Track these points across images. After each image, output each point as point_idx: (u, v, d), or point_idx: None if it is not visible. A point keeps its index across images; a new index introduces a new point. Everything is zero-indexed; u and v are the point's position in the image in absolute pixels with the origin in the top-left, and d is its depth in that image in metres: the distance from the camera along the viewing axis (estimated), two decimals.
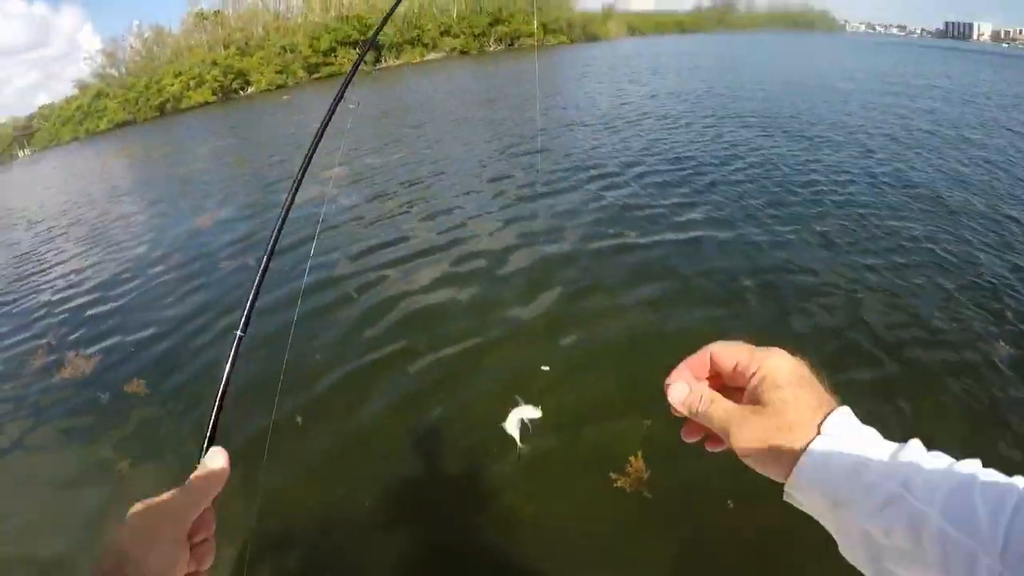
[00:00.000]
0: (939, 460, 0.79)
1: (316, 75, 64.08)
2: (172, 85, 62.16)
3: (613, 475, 4.33)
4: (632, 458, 4.40)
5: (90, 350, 7.88)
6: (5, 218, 22.45)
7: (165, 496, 0.93)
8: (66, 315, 9.66)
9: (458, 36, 72.37)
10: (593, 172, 11.46)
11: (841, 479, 0.80)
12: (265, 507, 4.52)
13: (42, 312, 10.12)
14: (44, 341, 8.71)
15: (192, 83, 62.19)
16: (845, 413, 0.85)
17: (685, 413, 0.97)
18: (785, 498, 0.88)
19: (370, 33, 63.50)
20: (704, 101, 17.64)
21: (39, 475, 5.63)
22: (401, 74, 50.60)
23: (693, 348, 0.98)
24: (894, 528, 0.75)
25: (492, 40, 73.02)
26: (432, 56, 69.70)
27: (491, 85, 30.49)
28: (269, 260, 1.42)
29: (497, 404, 4.85)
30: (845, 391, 0.89)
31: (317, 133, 1.85)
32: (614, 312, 6.54)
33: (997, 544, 0.68)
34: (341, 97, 1.98)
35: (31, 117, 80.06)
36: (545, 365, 4.60)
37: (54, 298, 10.70)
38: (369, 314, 7.23)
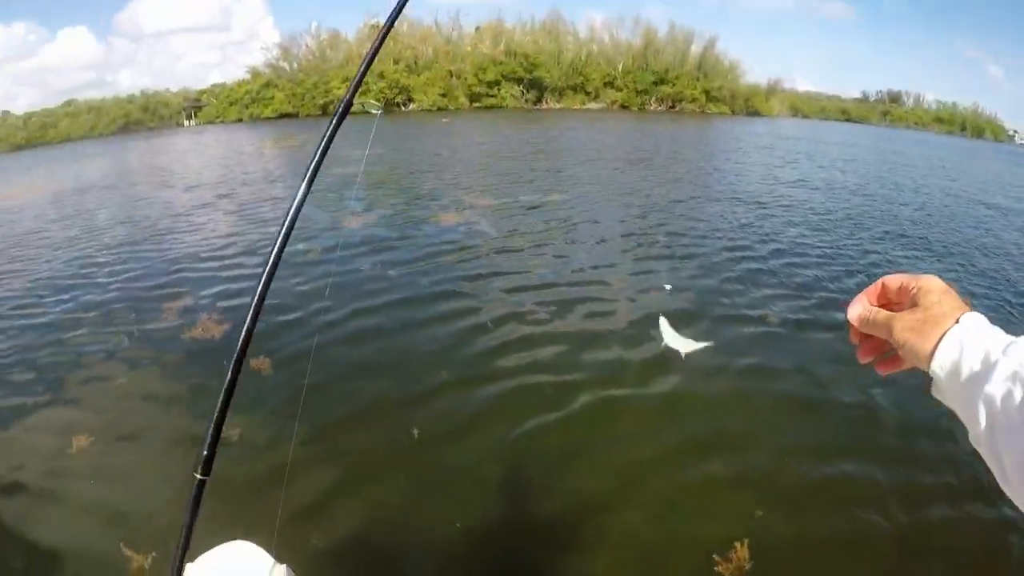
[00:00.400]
0: None
1: (477, 104, 65.12)
2: (339, 88, 64.08)
3: (716, 557, 4.17)
4: (737, 544, 4.23)
5: (222, 317, 8.09)
6: (165, 177, 23.86)
7: None
8: (207, 279, 10.06)
9: (621, 90, 72.41)
10: (731, 244, 11.27)
11: (972, 357, 0.95)
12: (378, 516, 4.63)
13: (185, 270, 10.63)
14: (181, 298, 9.11)
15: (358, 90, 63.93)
16: (980, 315, 1.01)
17: (858, 326, 1.16)
18: (932, 389, 1.05)
19: (536, 72, 64.43)
20: (853, 199, 17.06)
21: (141, 426, 5.77)
22: (560, 117, 51.05)
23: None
24: (1012, 399, 0.87)
25: (654, 99, 72.93)
26: (592, 105, 70.01)
27: (647, 143, 30.39)
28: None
29: (605, 475, 4.79)
30: None
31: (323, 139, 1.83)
32: (737, 396, 6.29)
33: None
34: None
35: (201, 92, 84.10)
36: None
37: (198, 260, 11.21)
38: (499, 344, 7.19)
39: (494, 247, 10.82)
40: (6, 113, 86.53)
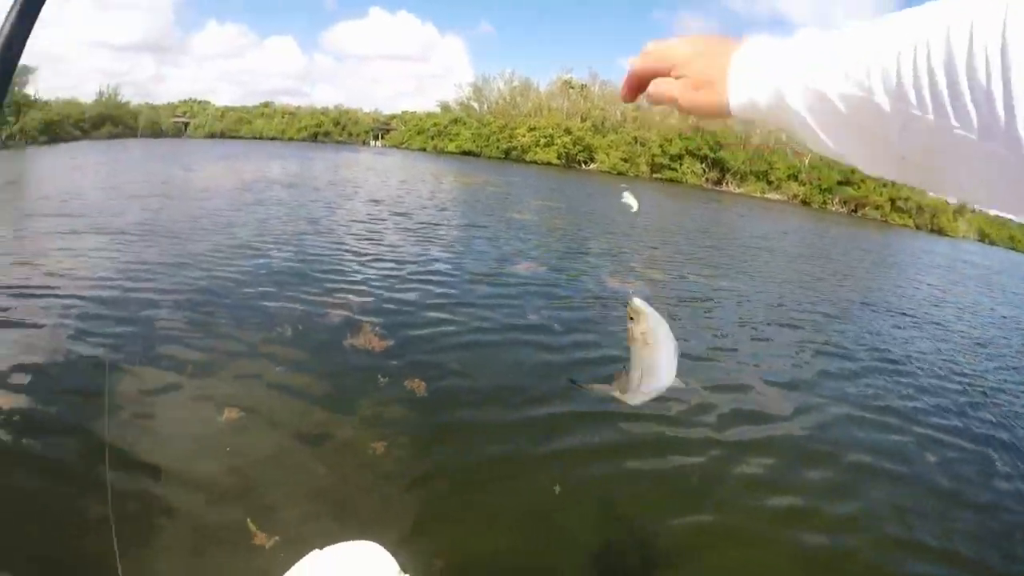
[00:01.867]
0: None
1: (657, 175, 65.13)
2: (524, 136, 65.63)
3: None
4: None
5: (385, 332, 8.04)
6: (350, 190, 24.94)
7: None
8: (376, 290, 10.10)
9: (804, 184, 70.95)
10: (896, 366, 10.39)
11: (763, 96, 0.89)
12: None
13: (355, 278, 10.72)
14: (348, 304, 9.13)
15: (543, 141, 65.46)
16: (747, 48, 0.94)
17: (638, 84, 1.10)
18: (734, 111, 0.95)
19: (721, 152, 64.06)
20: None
21: (288, 416, 5.80)
22: (739, 202, 50.46)
23: None
24: (824, 111, 0.81)
25: (837, 199, 71.09)
26: (772, 195, 68.84)
27: (824, 245, 29.49)
28: None
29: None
30: None
31: None
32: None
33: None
34: None
35: (391, 116, 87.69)
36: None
37: (369, 272, 11.29)
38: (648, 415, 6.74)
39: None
40: (206, 103, 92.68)
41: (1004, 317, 17.99)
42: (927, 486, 6.17)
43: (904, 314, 14.76)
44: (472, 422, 6.04)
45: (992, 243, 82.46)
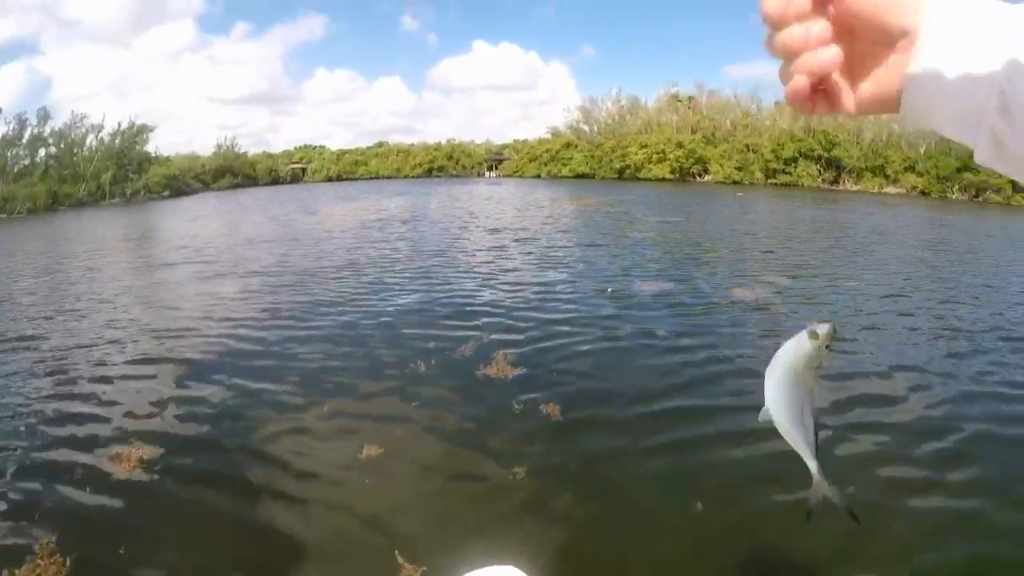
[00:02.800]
0: None
1: (772, 180, 63.99)
2: (636, 154, 65.83)
3: None
4: None
5: (516, 359, 8.27)
6: (469, 220, 26.54)
7: None
8: (502, 316, 10.52)
9: (922, 175, 68.53)
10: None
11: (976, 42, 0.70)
12: None
13: (483, 306, 11.24)
14: (478, 333, 9.48)
15: (655, 157, 65.78)
16: None
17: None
18: (904, 107, 0.77)
19: (834, 151, 62.46)
20: None
21: (428, 449, 6.05)
22: (857, 200, 49.00)
23: None
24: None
25: (957, 187, 68.32)
26: (890, 189, 66.69)
27: (944, 234, 28.48)
28: None
29: None
30: None
31: None
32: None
33: None
34: None
35: (503, 146, 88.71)
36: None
37: (496, 299, 11.82)
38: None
39: (778, 324, 10.48)
40: (322, 148, 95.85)
41: None
42: None
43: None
44: (608, 446, 6.10)
45: None
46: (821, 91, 0.81)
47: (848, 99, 0.82)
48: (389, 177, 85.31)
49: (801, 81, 0.77)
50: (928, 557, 4.49)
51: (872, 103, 0.81)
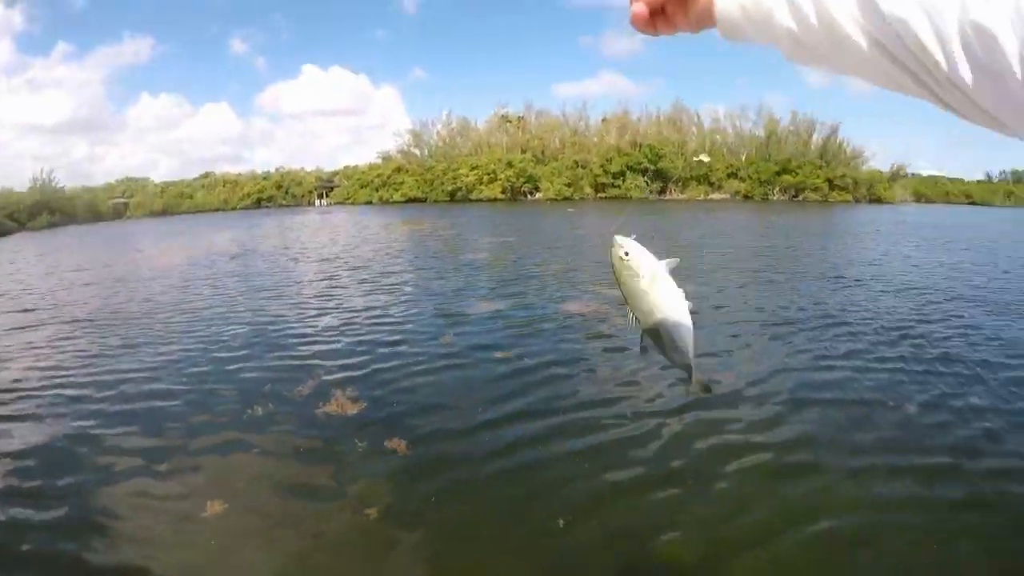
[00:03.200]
0: None
1: (602, 194, 66.03)
2: (467, 176, 66.26)
3: None
4: None
5: (356, 394, 7.96)
6: (299, 252, 25.37)
7: None
8: (338, 348, 10.14)
9: (744, 180, 72.54)
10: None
11: None
12: None
13: (317, 342, 10.63)
14: (313, 370, 9.02)
15: (486, 178, 66.42)
16: None
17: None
18: (719, 22, 0.94)
19: (660, 163, 65.13)
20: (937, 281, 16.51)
21: (275, 501, 5.67)
22: (684, 208, 51.17)
23: None
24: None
25: (777, 189, 72.69)
26: (715, 196, 70.12)
27: (768, 233, 30.35)
28: None
29: None
30: None
31: None
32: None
33: None
34: None
35: (334, 172, 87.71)
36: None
37: (329, 330, 11.38)
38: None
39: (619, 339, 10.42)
40: (145, 180, 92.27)
41: (915, 265, 19.06)
42: (856, 403, 7.43)
43: (840, 276, 15.67)
44: (460, 475, 6.01)
45: (929, 201, 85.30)
46: (660, 13, 0.99)
47: (682, 18, 0.98)
48: (217, 210, 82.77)
49: (640, 7, 0.98)
50: (761, 509, 5.13)
51: (700, 17, 0.96)
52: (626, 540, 4.88)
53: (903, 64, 0.79)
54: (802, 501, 5.39)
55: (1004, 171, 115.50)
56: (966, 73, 0.72)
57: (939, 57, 0.73)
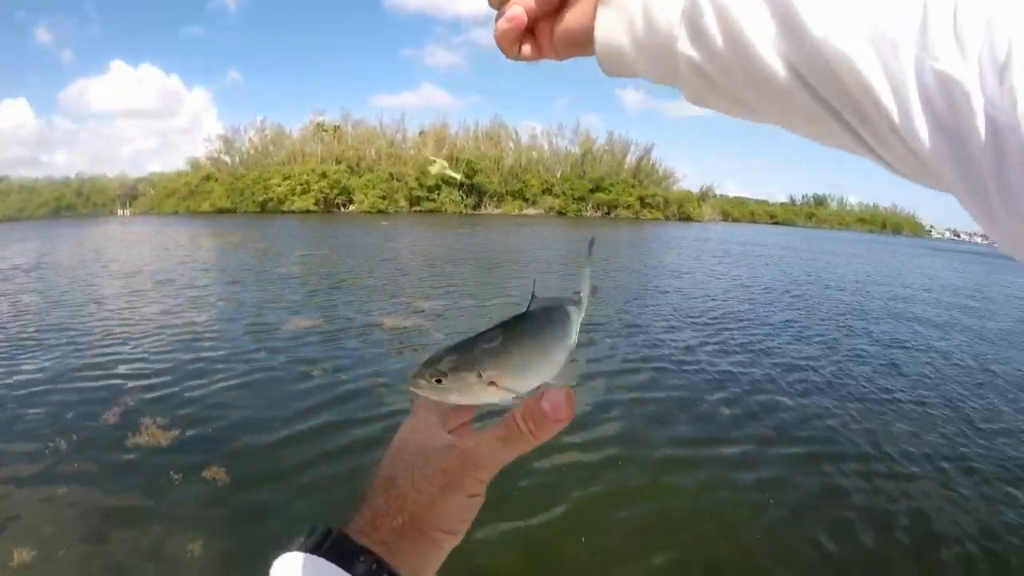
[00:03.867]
0: None
1: (417, 208, 66.06)
2: (279, 186, 64.52)
3: None
4: None
5: (168, 420, 7.66)
6: (101, 267, 23.41)
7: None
8: (147, 372, 9.60)
9: (558, 196, 74.59)
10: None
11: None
12: None
13: (124, 363, 10.12)
14: (121, 398, 8.49)
15: (299, 188, 64.96)
16: None
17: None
18: (599, 50, 0.74)
19: (476, 177, 65.80)
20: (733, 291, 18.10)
21: (87, 540, 5.39)
22: (499, 223, 52.18)
23: None
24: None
25: (590, 206, 75.11)
26: (530, 211, 71.67)
27: (581, 249, 31.66)
28: None
29: None
30: None
31: None
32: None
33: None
34: None
35: (139, 179, 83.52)
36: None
37: (136, 352, 10.80)
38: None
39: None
40: None
41: (716, 278, 20.39)
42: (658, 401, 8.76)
43: (649, 287, 16.68)
44: (280, 496, 6.01)
45: (735, 220, 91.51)
46: (530, 33, 0.80)
47: (547, 42, 0.80)
48: (11, 219, 77.66)
49: (518, 11, 0.76)
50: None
51: (570, 43, 0.78)
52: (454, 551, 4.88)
53: (830, 105, 0.64)
54: (612, 491, 6.05)
55: (806, 195, 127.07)
56: (922, 131, 0.58)
57: (889, 107, 0.59)
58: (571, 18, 0.75)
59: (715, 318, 14.22)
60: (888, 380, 10.75)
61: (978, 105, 0.52)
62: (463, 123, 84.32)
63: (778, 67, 0.62)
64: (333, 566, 0.72)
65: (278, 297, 15.77)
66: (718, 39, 0.63)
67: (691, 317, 13.92)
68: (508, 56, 0.81)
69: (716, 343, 11.97)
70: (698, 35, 0.65)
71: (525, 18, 0.76)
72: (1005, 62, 0.50)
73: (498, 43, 0.79)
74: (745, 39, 0.62)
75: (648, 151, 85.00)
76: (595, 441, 7.14)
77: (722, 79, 0.66)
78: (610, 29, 0.71)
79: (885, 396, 9.95)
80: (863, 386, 10.31)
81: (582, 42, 0.75)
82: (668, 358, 10.61)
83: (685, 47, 0.66)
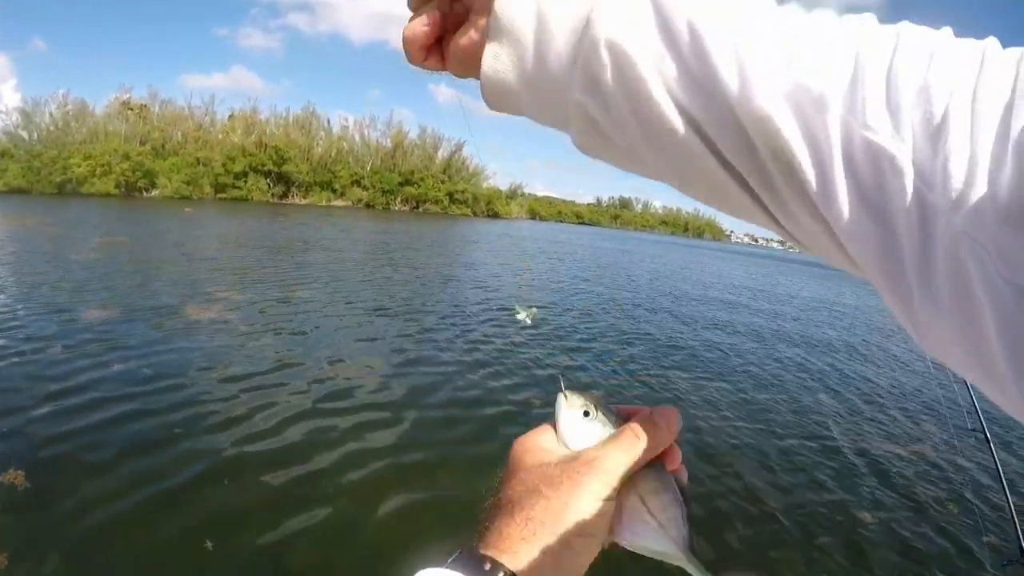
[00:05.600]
0: None
1: (222, 195, 64.76)
2: (79, 167, 61.45)
3: None
4: None
5: None
6: None
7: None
8: None
9: (367, 189, 75.01)
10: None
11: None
12: None
13: None
14: None
15: (100, 170, 62.11)
16: None
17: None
18: (483, 84, 0.66)
19: (285, 166, 64.93)
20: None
21: None
22: (306, 213, 51.62)
23: None
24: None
25: (399, 199, 75.99)
26: (338, 203, 71.91)
27: (393, 241, 32.97)
28: None
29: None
30: None
31: None
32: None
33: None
34: None
35: None
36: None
37: None
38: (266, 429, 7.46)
39: (240, 339, 11.20)
40: None
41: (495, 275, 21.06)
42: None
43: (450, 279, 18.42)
44: (87, 499, 5.67)
45: (542, 219, 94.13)
46: (438, 43, 0.71)
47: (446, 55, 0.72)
48: None
49: (438, 16, 0.69)
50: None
51: (466, 62, 0.69)
52: (291, 558, 5.10)
53: (733, 168, 0.58)
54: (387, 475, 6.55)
55: (612, 196, 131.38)
56: (843, 201, 0.53)
57: (806, 172, 0.54)
58: (463, 40, 0.68)
59: (496, 312, 15.60)
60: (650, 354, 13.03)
61: (908, 181, 0.50)
62: (274, 109, 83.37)
63: (678, 123, 0.57)
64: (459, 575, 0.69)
65: (75, 285, 15.14)
66: (613, 87, 0.58)
67: (471, 310, 15.44)
68: (412, 61, 0.72)
69: (486, 338, 13.04)
70: (591, 81, 0.59)
71: (439, 23, 0.69)
72: (939, 131, 0.49)
73: (406, 47, 0.71)
74: (643, 89, 0.57)
75: (460, 147, 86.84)
76: (368, 424, 7.79)
77: (615, 132, 0.62)
78: (497, 64, 0.64)
79: (636, 366, 12.28)
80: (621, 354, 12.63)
81: (473, 66, 0.68)
82: (446, 351, 11.81)
83: (577, 94, 0.61)
